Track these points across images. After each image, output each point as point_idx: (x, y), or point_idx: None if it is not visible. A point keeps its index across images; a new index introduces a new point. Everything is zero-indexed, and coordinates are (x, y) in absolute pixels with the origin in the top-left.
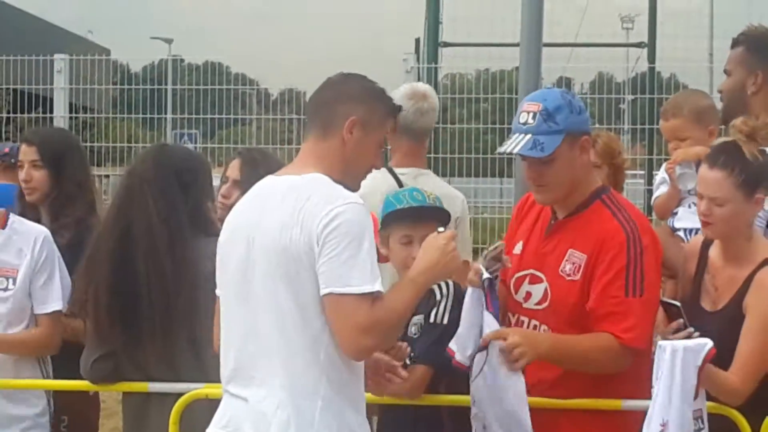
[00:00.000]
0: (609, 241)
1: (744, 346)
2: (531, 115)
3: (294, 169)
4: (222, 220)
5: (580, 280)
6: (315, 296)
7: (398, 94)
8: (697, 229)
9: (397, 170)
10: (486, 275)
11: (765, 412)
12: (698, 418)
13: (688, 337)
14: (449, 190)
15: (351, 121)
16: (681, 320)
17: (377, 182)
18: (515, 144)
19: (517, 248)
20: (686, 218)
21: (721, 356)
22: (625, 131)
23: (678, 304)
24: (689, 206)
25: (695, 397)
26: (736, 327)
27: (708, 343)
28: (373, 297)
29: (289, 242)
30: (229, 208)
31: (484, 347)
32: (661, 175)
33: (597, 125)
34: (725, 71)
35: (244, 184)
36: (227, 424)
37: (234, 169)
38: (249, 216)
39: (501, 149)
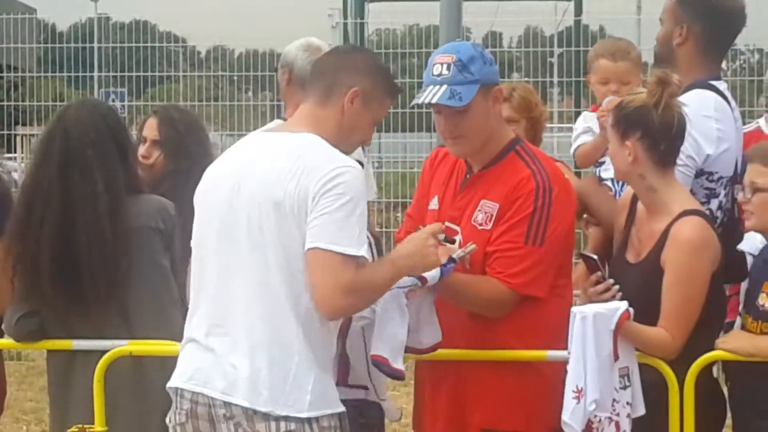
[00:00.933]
0: (519, 189)
1: (668, 302)
2: (445, 66)
3: (288, 128)
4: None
5: (492, 228)
6: (300, 250)
7: (293, 47)
8: None
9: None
10: (454, 256)
11: (689, 363)
12: (624, 375)
13: (607, 289)
14: None
15: (353, 91)
16: (599, 273)
17: None
18: (432, 95)
19: (434, 203)
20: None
21: (641, 308)
22: (555, 84)
23: (595, 257)
24: None
25: (616, 359)
26: (654, 279)
27: (621, 307)
28: (358, 262)
29: (284, 195)
30: (150, 168)
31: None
32: (581, 124)
33: (526, 79)
34: (660, 19)
35: (164, 144)
36: (192, 376)
37: (151, 129)
38: (235, 166)
39: (417, 101)
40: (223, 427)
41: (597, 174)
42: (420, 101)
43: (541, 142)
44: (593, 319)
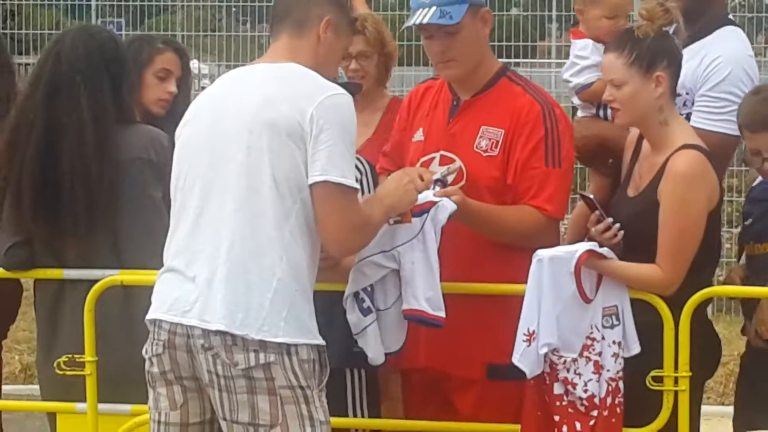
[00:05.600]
0: (525, 114)
1: (662, 235)
2: None
3: (266, 60)
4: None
5: (499, 155)
6: (292, 173)
7: None
8: None
9: None
10: (436, 177)
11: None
12: (611, 314)
13: (607, 228)
14: None
15: (327, 20)
16: (597, 212)
17: None
18: (421, 17)
19: (418, 135)
20: None
21: (635, 241)
22: (554, 19)
23: (592, 196)
24: None
25: (589, 300)
26: (650, 211)
27: (579, 249)
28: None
29: (277, 116)
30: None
31: (425, 210)
32: (593, 56)
33: (525, 13)
34: None
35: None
36: (171, 307)
37: (176, 65)
38: (220, 95)
39: (407, 24)
40: (201, 358)
41: (608, 116)
42: (410, 23)
43: (388, 80)
44: (549, 263)
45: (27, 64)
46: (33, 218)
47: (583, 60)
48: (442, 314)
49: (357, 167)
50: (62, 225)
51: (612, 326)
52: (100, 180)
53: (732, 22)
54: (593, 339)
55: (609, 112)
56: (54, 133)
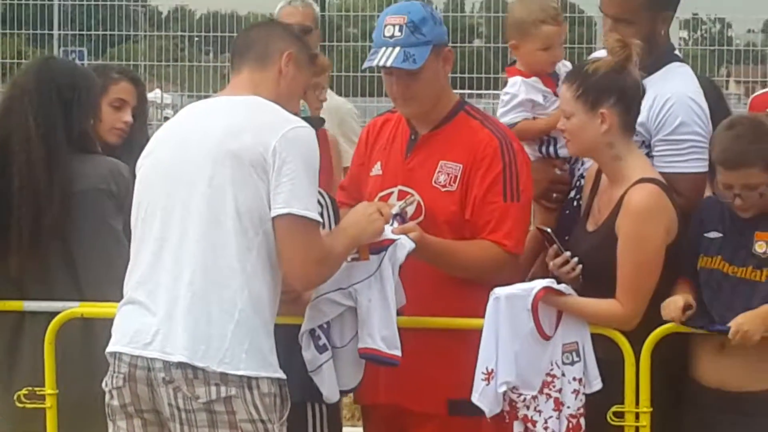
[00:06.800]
0: (483, 148)
1: (621, 270)
2: (397, 27)
3: (228, 93)
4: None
5: (458, 189)
6: (255, 205)
7: None
8: None
9: None
10: (394, 211)
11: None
12: (572, 351)
13: (565, 262)
14: None
15: (288, 54)
16: (555, 246)
17: None
18: (385, 57)
19: (376, 169)
20: None
21: (592, 275)
22: None
23: (549, 229)
24: None
25: (548, 337)
26: (607, 246)
27: (536, 286)
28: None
29: (240, 147)
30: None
31: (383, 247)
32: (524, 94)
33: (488, 45)
34: (624, 20)
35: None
36: (132, 339)
37: (131, 95)
38: (182, 126)
39: (370, 63)
40: (162, 392)
41: (551, 153)
42: (374, 64)
43: None
44: (506, 301)
45: None
46: None
47: (512, 98)
48: (398, 353)
49: (318, 201)
50: (7, 243)
51: (572, 362)
52: (48, 197)
53: (678, 58)
54: (553, 376)
55: (551, 149)
56: (4, 152)
